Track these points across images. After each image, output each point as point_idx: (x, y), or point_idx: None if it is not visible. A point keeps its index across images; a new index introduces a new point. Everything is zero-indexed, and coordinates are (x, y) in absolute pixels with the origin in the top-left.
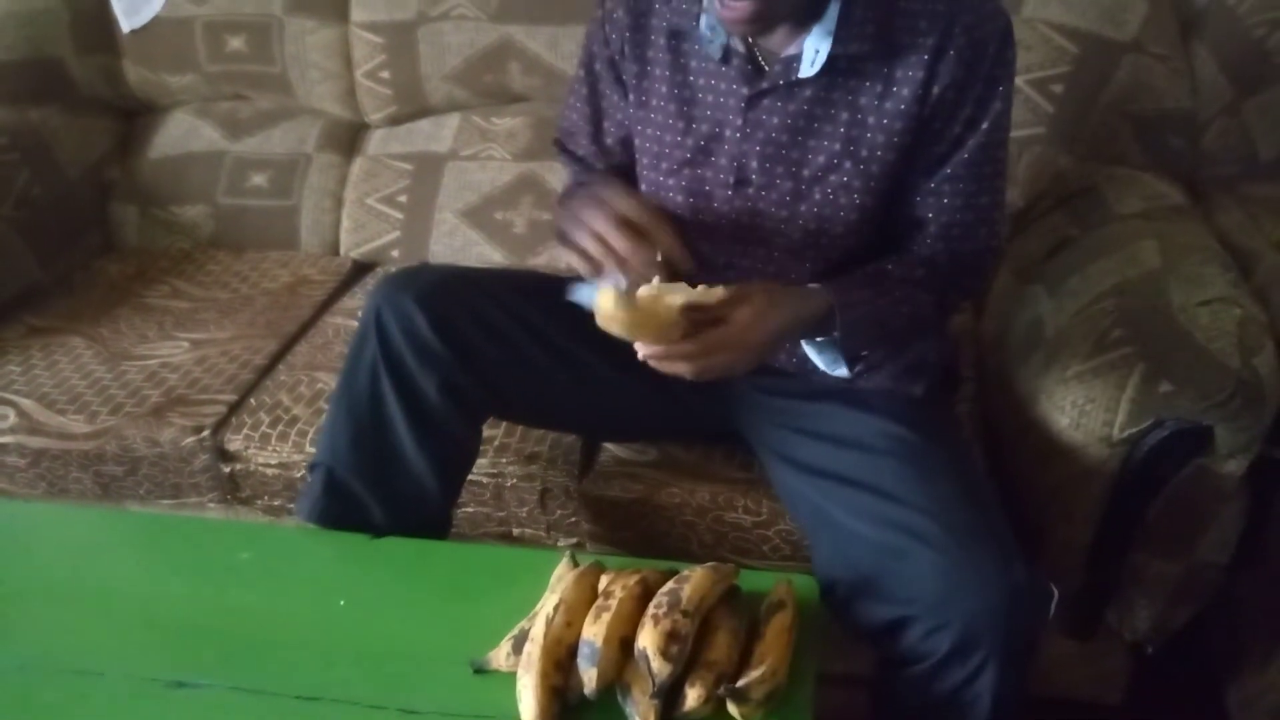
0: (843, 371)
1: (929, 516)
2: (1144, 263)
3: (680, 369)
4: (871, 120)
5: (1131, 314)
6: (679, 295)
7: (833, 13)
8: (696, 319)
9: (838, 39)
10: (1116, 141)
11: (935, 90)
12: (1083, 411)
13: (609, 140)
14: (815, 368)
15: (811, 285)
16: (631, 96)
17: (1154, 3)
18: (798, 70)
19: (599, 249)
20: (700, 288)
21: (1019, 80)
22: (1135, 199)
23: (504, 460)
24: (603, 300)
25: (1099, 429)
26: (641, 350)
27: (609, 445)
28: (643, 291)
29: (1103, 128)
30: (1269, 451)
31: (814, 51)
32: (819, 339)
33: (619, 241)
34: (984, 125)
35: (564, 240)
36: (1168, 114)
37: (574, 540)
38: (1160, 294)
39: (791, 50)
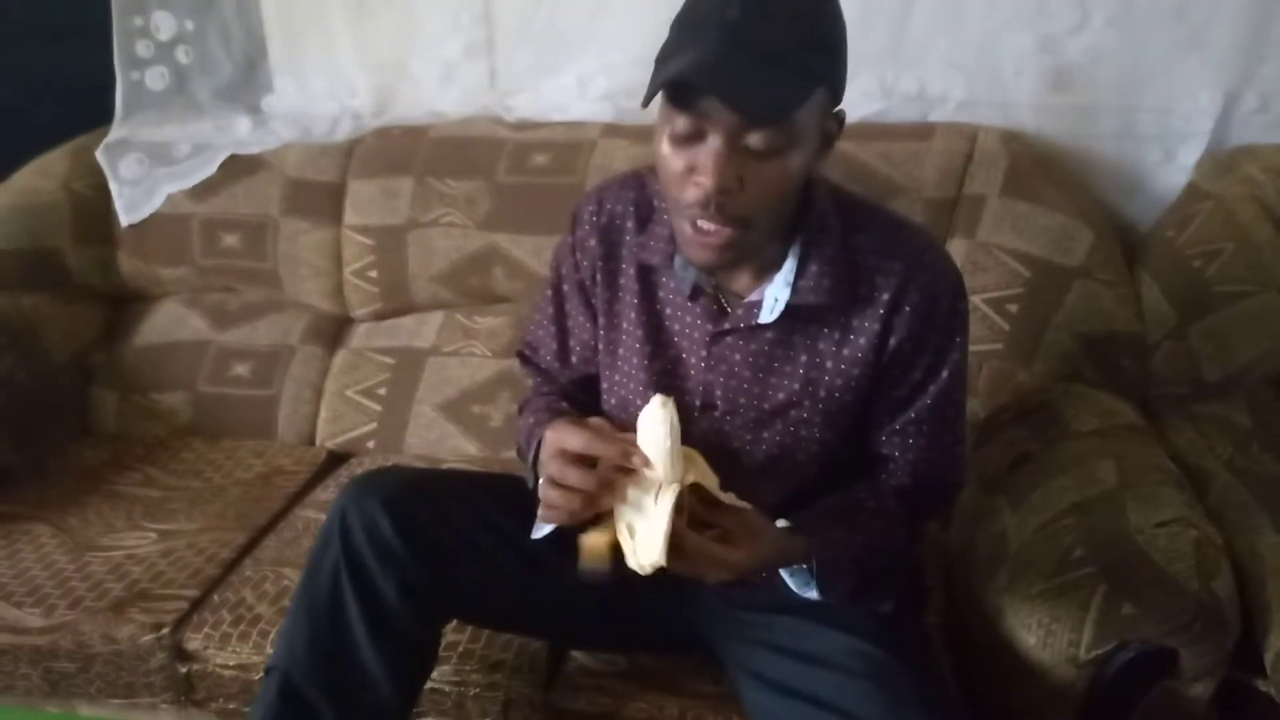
0: (813, 594)
1: None
2: (1102, 482)
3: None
4: (829, 364)
5: (1092, 533)
6: (699, 474)
7: (790, 265)
8: (695, 507)
9: (795, 290)
10: (1071, 359)
11: (892, 342)
12: (1049, 630)
13: (574, 358)
14: (784, 581)
15: (789, 526)
16: (602, 319)
17: (1099, 232)
18: (758, 316)
19: (567, 498)
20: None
21: (977, 298)
22: (1091, 416)
23: (467, 668)
24: (654, 410)
25: (1065, 649)
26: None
27: (576, 654)
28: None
29: (1057, 346)
30: (1235, 675)
31: (774, 300)
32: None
33: (582, 481)
34: (944, 374)
35: (523, 456)
36: (1117, 336)
37: None
38: (1119, 514)
39: (754, 296)
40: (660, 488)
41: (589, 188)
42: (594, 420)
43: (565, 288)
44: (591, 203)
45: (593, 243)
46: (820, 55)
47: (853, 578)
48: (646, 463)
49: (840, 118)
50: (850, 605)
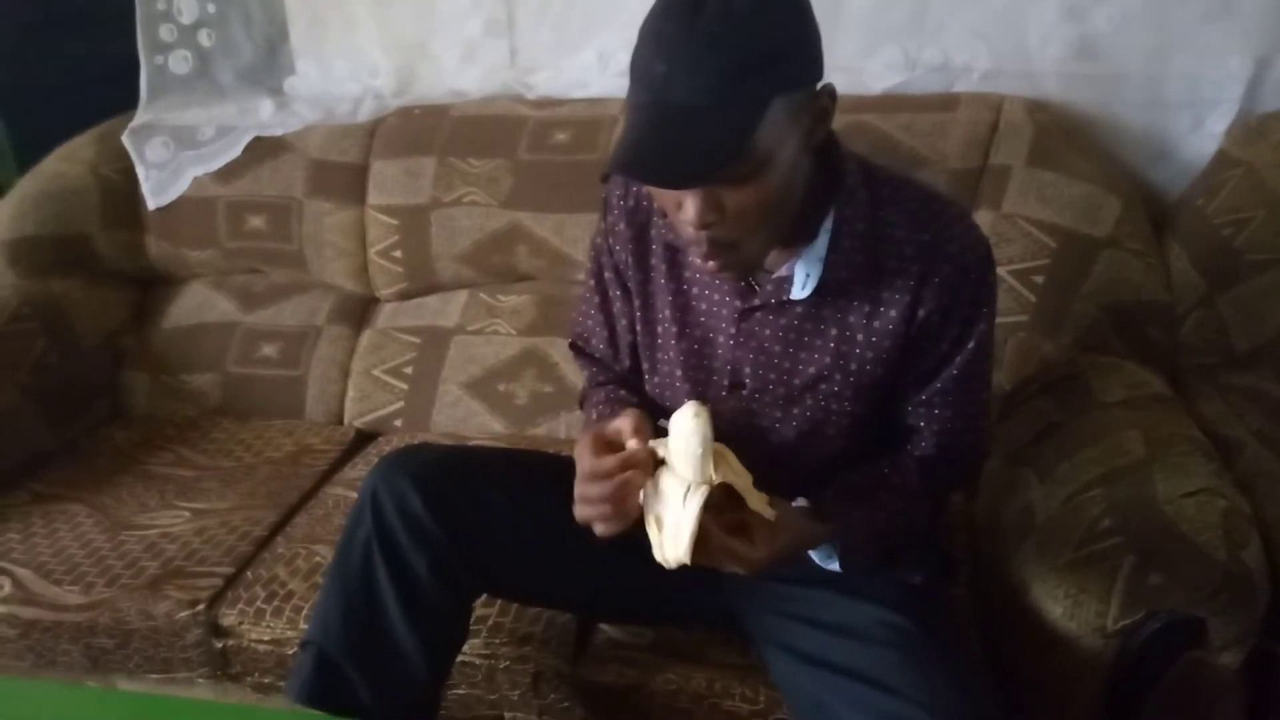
0: (834, 567)
1: (927, 711)
2: (1130, 452)
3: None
4: (860, 337)
5: (1119, 504)
6: (731, 472)
7: (823, 240)
8: (722, 503)
9: (828, 265)
10: (1098, 330)
11: (921, 313)
12: (1076, 601)
13: (623, 344)
14: (807, 555)
15: (810, 506)
16: (638, 301)
17: (1127, 202)
18: (789, 291)
19: (592, 510)
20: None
21: (1003, 270)
22: (1118, 387)
23: (497, 641)
24: (687, 414)
25: (1093, 619)
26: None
27: (604, 626)
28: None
29: (1084, 317)
30: (1265, 644)
31: (805, 275)
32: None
33: (600, 493)
34: (970, 344)
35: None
36: (1146, 306)
37: None
38: (1146, 484)
39: (783, 272)
40: (690, 487)
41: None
42: (612, 426)
43: (606, 275)
44: (619, 187)
45: (622, 226)
46: (764, 71)
47: (875, 555)
48: (648, 469)
49: (828, 91)
50: (877, 576)
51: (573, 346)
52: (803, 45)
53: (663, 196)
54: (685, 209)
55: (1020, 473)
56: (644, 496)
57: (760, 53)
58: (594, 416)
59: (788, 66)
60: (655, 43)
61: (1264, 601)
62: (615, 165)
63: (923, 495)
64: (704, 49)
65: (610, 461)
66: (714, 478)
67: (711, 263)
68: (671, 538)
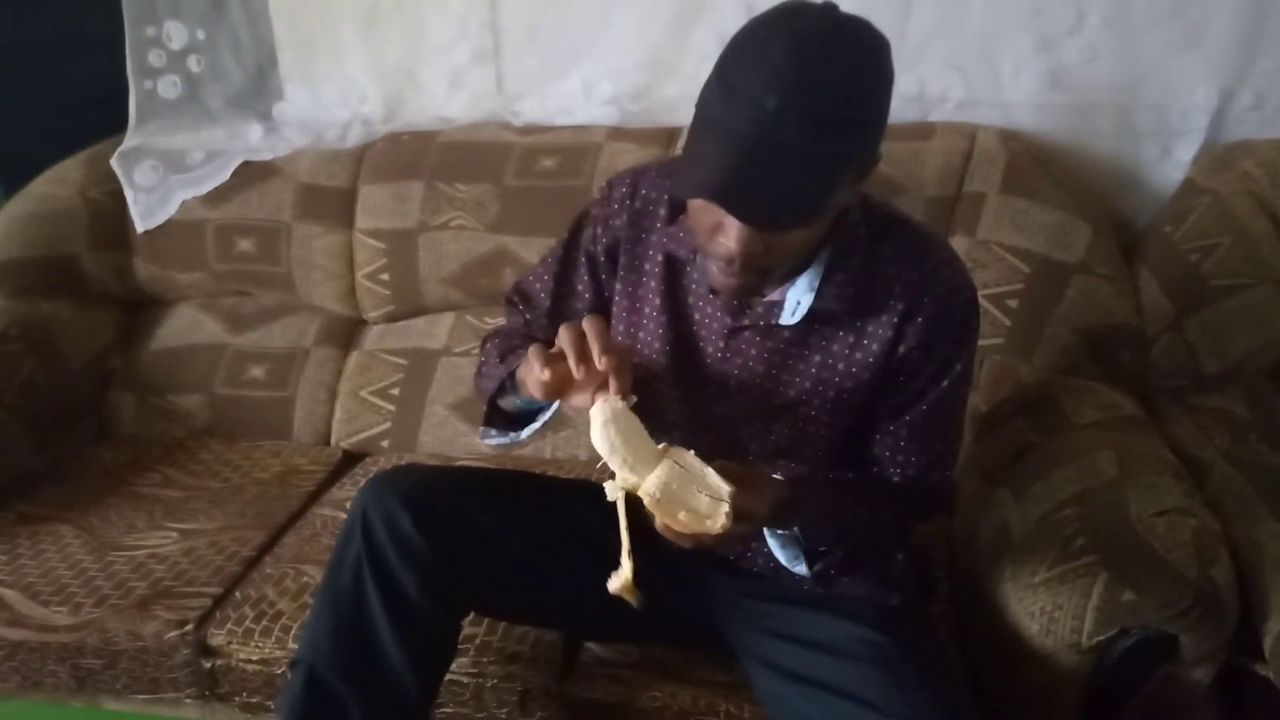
0: (803, 569)
1: None
2: (1102, 472)
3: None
4: (841, 366)
5: (1093, 523)
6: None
7: (817, 271)
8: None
9: (820, 295)
10: (1071, 353)
11: (901, 349)
12: (1051, 618)
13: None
14: (789, 571)
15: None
16: (624, 301)
17: (1098, 228)
18: (778, 316)
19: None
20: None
21: (979, 295)
22: (1091, 409)
23: (485, 660)
24: (602, 411)
25: (1068, 636)
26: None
27: (591, 645)
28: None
29: (1057, 340)
30: (1235, 659)
31: (796, 303)
32: (780, 532)
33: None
34: (944, 383)
35: (489, 375)
36: (1116, 329)
37: None
38: (1119, 504)
39: (775, 296)
40: (667, 461)
41: (594, 187)
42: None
43: (580, 257)
44: (626, 184)
45: (618, 223)
46: (858, 134)
47: (836, 535)
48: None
49: (878, 157)
50: (851, 592)
51: (508, 300)
52: (885, 116)
53: (702, 213)
54: (728, 234)
55: (996, 492)
56: (663, 501)
57: (862, 116)
58: (516, 344)
59: (873, 133)
60: (769, 74)
61: (1233, 618)
62: (706, 190)
63: (884, 499)
64: (820, 98)
65: (604, 334)
66: (659, 449)
67: (732, 281)
68: (708, 494)
